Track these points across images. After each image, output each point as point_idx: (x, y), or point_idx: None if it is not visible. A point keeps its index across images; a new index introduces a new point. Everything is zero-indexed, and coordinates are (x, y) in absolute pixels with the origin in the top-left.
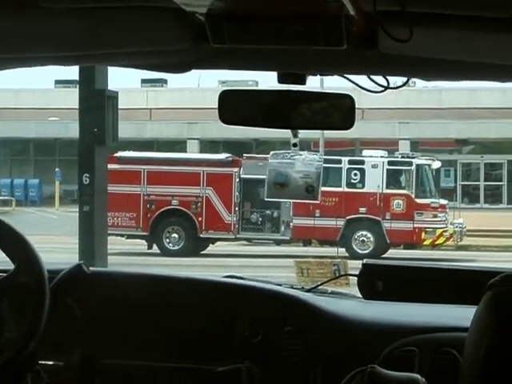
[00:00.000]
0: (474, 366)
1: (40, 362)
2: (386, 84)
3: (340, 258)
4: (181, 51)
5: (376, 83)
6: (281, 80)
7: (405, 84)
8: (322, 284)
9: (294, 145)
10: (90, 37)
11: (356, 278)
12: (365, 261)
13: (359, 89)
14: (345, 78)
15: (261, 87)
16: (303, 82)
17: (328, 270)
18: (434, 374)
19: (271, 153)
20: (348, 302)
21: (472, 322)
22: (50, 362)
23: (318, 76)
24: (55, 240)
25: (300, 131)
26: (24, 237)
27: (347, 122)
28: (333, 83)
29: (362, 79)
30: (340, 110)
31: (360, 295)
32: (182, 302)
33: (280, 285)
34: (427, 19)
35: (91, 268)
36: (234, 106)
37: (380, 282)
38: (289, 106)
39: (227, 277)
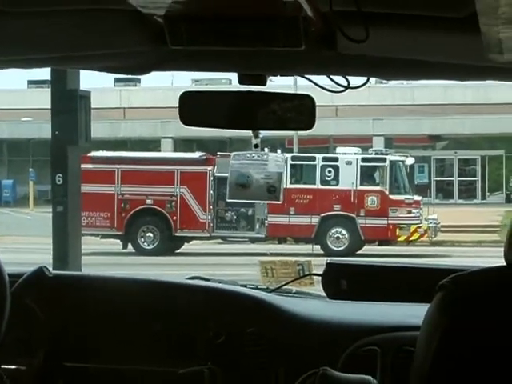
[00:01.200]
0: (424, 366)
1: (2, 366)
2: (346, 84)
3: (315, 255)
4: (140, 53)
5: (336, 83)
6: (241, 81)
7: (365, 84)
8: (286, 284)
9: (256, 145)
10: (50, 40)
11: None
12: (328, 260)
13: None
14: (305, 78)
15: (234, 85)
16: (263, 83)
17: (292, 270)
18: (395, 373)
19: (233, 154)
20: (312, 302)
21: (423, 322)
22: (13, 367)
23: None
24: (30, 241)
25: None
26: None
27: (308, 122)
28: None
29: (324, 78)
30: (301, 111)
31: (325, 294)
32: (145, 304)
33: (245, 285)
34: (383, 19)
35: (53, 271)
36: (194, 108)
37: (344, 281)
38: (249, 107)
39: (191, 278)
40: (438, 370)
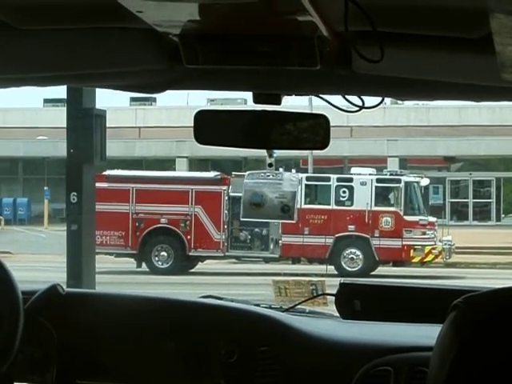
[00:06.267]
0: None
1: (15, 383)
2: (361, 103)
3: (329, 276)
4: (155, 72)
5: (351, 103)
6: (256, 100)
7: (379, 104)
8: (299, 303)
9: (270, 165)
10: (66, 58)
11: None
12: (342, 280)
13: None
14: (320, 97)
15: (249, 105)
16: (278, 102)
17: (306, 290)
18: None
19: (247, 173)
20: (325, 322)
21: (436, 342)
22: None
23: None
24: (44, 259)
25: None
26: None
27: (322, 141)
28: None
29: (339, 99)
30: (315, 130)
31: (338, 314)
32: (158, 323)
33: (258, 305)
34: (399, 39)
35: (66, 289)
36: (209, 126)
37: (357, 301)
38: (264, 127)
39: (205, 297)
40: None
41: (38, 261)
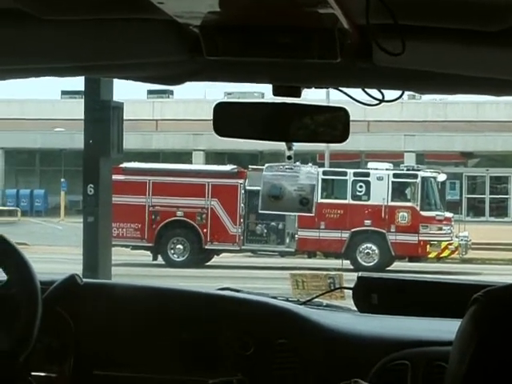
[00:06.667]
0: (457, 380)
1: (32, 373)
2: (381, 97)
3: (344, 270)
4: (175, 63)
5: (371, 96)
6: (276, 92)
7: (399, 97)
8: (316, 297)
9: (289, 157)
10: (86, 49)
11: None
12: (360, 274)
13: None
14: (339, 90)
15: (267, 98)
16: (298, 95)
17: (323, 283)
18: None
19: (266, 165)
20: (342, 315)
21: (456, 336)
22: (43, 374)
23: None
24: (61, 251)
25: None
26: (15, 247)
27: (342, 134)
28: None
29: (358, 92)
30: (335, 123)
31: (355, 308)
32: (175, 314)
33: (275, 297)
34: (420, 32)
35: (84, 279)
36: (228, 118)
37: (375, 295)
38: (284, 119)
39: (222, 289)
40: None
41: (55, 252)
